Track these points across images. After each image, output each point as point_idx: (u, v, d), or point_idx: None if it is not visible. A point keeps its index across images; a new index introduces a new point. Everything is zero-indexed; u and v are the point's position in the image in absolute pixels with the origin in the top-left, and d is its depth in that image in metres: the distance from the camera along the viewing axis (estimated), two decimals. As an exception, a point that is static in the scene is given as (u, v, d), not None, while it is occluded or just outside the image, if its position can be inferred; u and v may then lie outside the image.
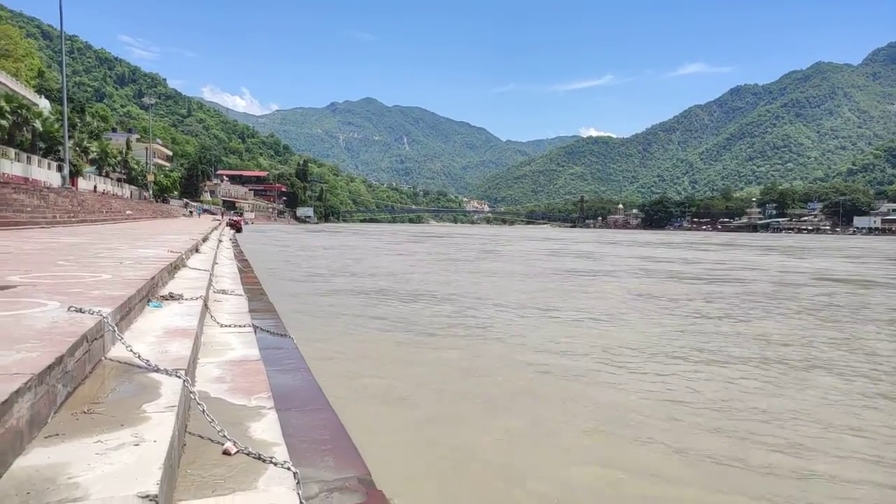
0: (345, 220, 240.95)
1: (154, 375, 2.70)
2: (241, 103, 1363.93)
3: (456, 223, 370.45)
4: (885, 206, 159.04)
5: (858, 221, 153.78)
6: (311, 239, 57.11)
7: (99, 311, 3.04)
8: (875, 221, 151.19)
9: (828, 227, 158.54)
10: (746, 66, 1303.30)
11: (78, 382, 2.44)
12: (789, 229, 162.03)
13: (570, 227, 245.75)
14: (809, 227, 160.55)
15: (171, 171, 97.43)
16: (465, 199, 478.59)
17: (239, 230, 54.26)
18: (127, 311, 3.74)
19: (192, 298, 5.10)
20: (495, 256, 34.24)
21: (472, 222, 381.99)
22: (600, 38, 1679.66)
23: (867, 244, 75.50)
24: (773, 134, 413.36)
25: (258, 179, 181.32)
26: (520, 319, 12.49)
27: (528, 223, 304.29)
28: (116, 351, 3.06)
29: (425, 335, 10.13)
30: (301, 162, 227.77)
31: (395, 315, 12.49)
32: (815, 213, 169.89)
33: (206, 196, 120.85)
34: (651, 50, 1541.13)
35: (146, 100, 79.88)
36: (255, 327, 4.81)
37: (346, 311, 12.94)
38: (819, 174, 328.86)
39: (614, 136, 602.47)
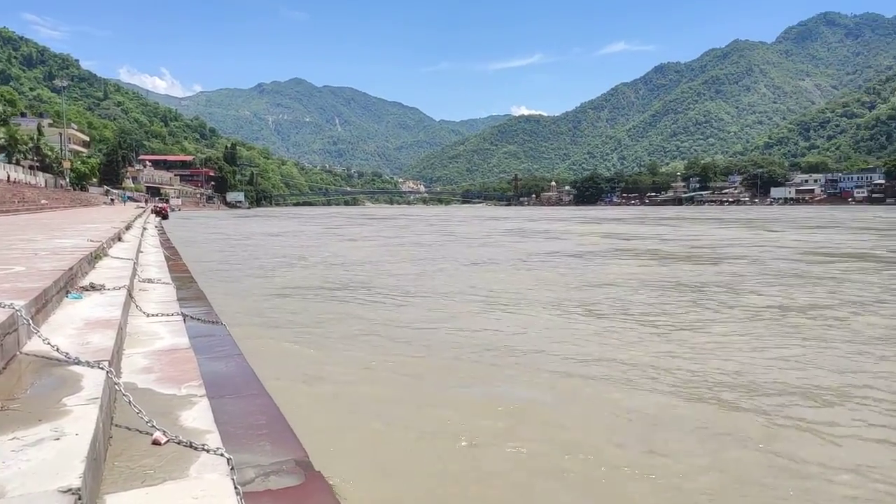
0: (277, 205, 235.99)
1: (75, 368, 2.60)
2: (161, 84, 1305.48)
3: (392, 204, 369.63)
4: (798, 177, 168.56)
5: (775, 192, 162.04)
6: (244, 224, 55.45)
7: (11, 304, 2.95)
8: (790, 192, 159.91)
9: (747, 199, 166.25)
10: (668, 44, 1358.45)
11: (-12, 380, 2.27)
12: (712, 202, 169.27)
13: (506, 205, 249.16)
14: (730, 199, 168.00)
15: (89, 157, 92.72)
16: (401, 180, 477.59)
17: (165, 217, 52.51)
18: (43, 304, 3.58)
19: (114, 288, 4.94)
20: (456, 239, 32.01)
21: (409, 203, 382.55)
22: (529, 17, 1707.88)
23: (792, 213, 77.86)
24: (695, 110, 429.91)
25: (184, 164, 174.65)
26: (613, 340, 8.49)
27: (464, 202, 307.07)
28: (33, 345, 2.97)
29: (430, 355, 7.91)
30: (229, 145, 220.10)
31: (378, 318, 10.23)
32: (736, 185, 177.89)
33: (129, 183, 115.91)
34: (578, 28, 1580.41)
35: (58, 82, 75.89)
36: (185, 315, 4.72)
37: (304, 313, 10.96)
38: (738, 148, 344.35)
39: (545, 114, 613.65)
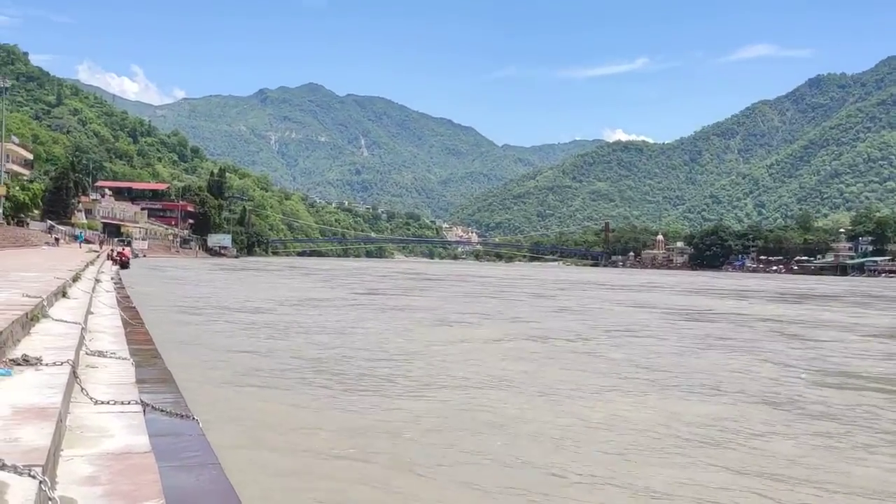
0: (276, 253, 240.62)
1: (-4, 476, 2.57)
2: (132, 88, 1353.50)
3: (433, 258, 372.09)
4: None
5: None
6: (229, 283, 56.10)
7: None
8: None
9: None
10: (830, 48, 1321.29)
11: None
12: (891, 272, 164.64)
13: (592, 264, 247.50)
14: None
15: (32, 181, 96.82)
16: (446, 226, 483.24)
17: (125, 266, 53.92)
18: (-40, 382, 3.68)
19: (55, 363, 5.04)
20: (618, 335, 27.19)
21: (455, 257, 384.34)
22: (632, 9, 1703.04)
23: None
24: (867, 142, 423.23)
25: (155, 195, 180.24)
26: None
27: (533, 259, 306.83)
28: (-58, 439, 3.01)
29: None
30: (216, 171, 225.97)
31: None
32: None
33: (80, 217, 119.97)
34: (701, 26, 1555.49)
35: (-2, 81, 79.66)
36: (145, 405, 4.79)
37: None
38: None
39: (651, 140, 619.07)
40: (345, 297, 40.20)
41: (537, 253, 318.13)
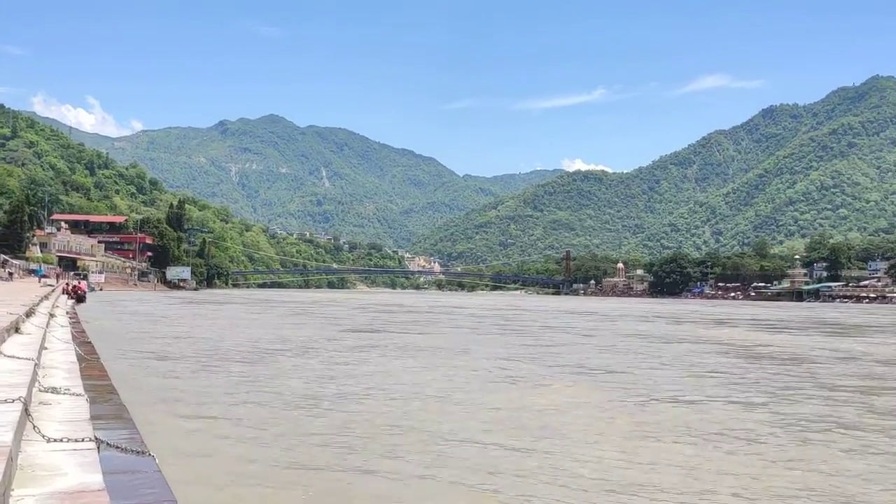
0: (236, 285, 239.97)
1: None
2: (88, 119, 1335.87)
3: (395, 288, 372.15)
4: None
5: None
6: (192, 318, 55.60)
7: None
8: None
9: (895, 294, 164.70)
10: (782, 79, 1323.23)
11: None
12: (845, 297, 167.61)
13: (553, 292, 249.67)
14: (872, 295, 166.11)
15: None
16: (408, 255, 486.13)
17: (81, 300, 53.20)
18: None
19: (5, 400, 4.98)
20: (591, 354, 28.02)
21: (418, 286, 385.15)
22: (589, 41, 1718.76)
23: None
24: (819, 170, 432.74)
25: (113, 227, 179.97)
26: None
27: (495, 288, 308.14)
28: None
29: None
30: (175, 203, 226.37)
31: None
32: (879, 275, 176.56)
33: (35, 251, 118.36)
34: (657, 58, 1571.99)
35: (-49, 114, 78.57)
36: (100, 442, 4.70)
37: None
38: (882, 224, 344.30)
39: (609, 170, 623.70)
40: (333, 337, 35.65)
41: (499, 282, 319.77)
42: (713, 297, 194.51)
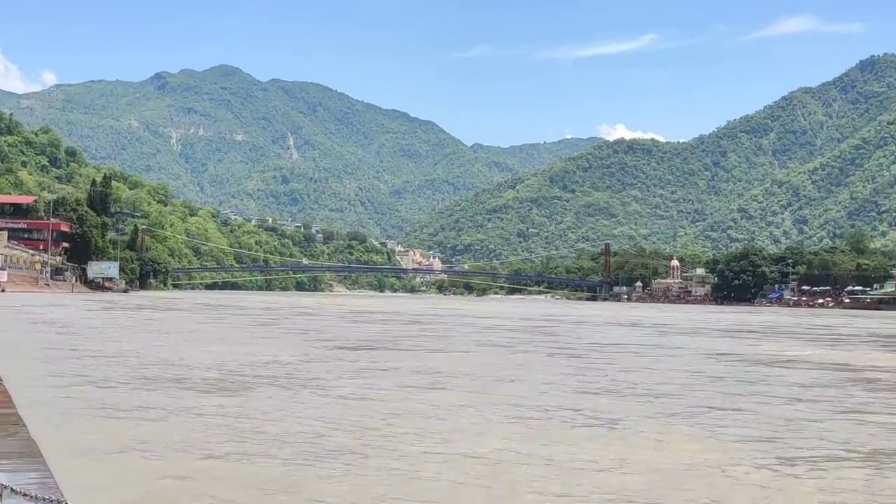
0: (178, 285, 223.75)
1: None
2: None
3: (383, 290, 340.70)
4: None
5: None
6: (123, 330, 45.82)
7: None
8: None
9: None
10: (886, 22, 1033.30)
11: None
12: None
13: (589, 297, 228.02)
14: None
15: None
16: (401, 249, 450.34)
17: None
18: None
19: None
20: None
21: (412, 289, 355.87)
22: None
23: None
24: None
25: (18, 210, 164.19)
26: None
27: (512, 291, 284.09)
28: None
29: None
30: (99, 179, 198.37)
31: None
32: None
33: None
34: None
35: None
36: (3, 486, 4.41)
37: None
38: None
39: (662, 139, 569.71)
40: (323, 356, 29.69)
41: (518, 283, 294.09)
42: (796, 304, 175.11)
